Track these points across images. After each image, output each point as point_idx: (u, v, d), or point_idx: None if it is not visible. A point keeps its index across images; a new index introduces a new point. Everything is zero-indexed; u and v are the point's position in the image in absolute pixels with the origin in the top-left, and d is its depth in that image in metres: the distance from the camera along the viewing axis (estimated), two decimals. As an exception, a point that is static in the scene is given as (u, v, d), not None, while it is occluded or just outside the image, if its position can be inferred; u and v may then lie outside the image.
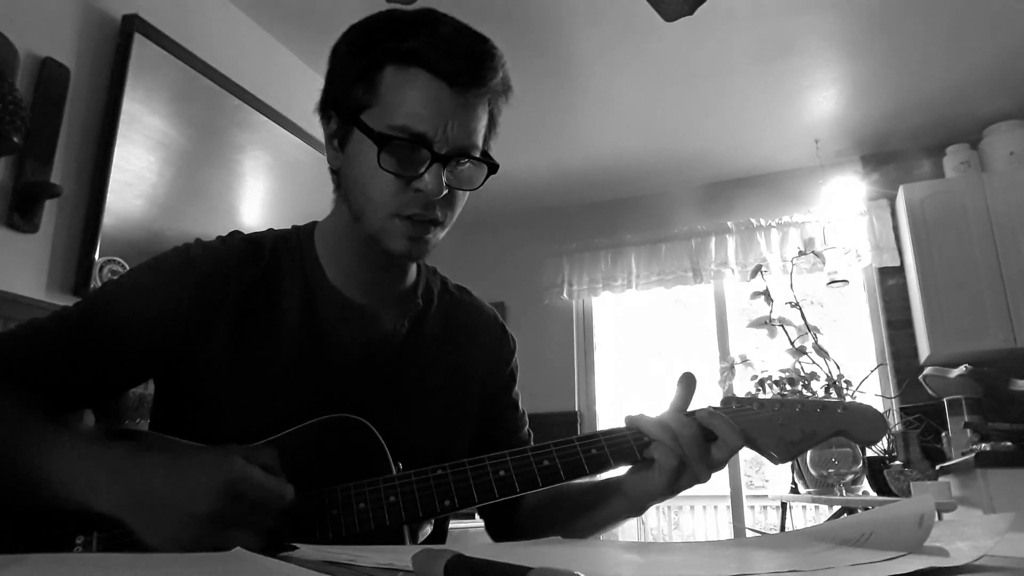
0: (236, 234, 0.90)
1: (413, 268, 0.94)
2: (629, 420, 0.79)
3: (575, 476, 0.76)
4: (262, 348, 0.83)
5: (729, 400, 0.81)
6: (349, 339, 0.86)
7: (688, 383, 0.80)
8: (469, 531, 2.53)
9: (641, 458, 0.77)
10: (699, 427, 0.76)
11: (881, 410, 3.37)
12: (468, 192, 0.82)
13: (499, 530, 0.98)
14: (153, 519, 0.62)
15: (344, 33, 0.84)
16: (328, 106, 0.84)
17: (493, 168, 0.82)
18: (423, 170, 0.75)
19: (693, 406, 0.80)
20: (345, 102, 0.80)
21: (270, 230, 0.92)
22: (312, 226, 0.93)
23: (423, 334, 0.92)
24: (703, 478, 0.76)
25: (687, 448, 0.74)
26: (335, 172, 0.86)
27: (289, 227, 0.93)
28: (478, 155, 0.80)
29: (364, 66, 0.78)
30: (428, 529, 0.86)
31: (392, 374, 0.88)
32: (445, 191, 0.77)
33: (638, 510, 0.83)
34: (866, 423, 0.79)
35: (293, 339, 0.84)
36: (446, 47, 0.76)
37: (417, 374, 0.90)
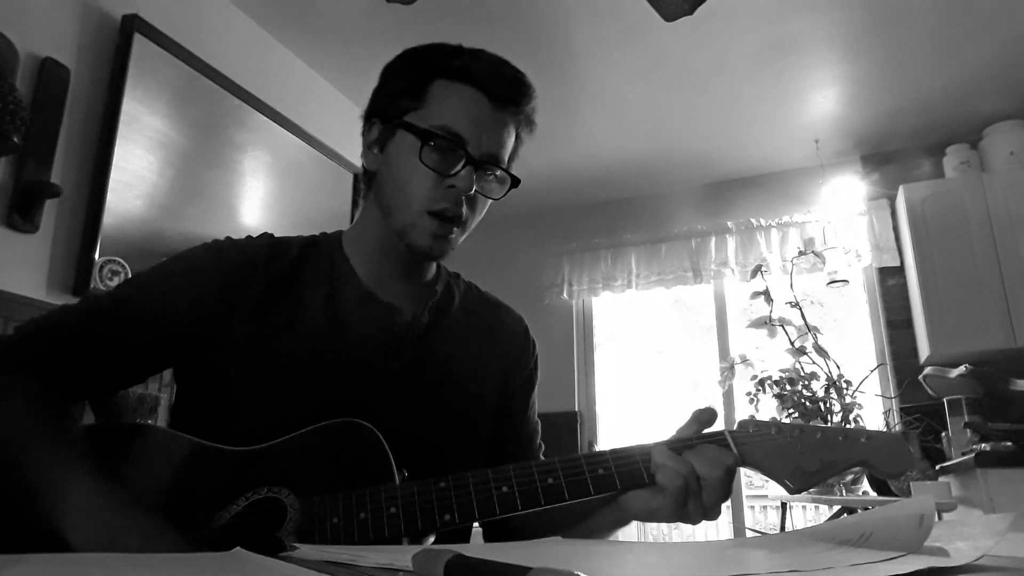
0: (265, 235, 0.94)
1: (433, 269, 0.97)
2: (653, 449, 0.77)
3: (579, 496, 0.74)
4: (283, 339, 0.84)
5: (747, 423, 0.78)
6: (370, 331, 0.88)
7: (699, 419, 0.78)
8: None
9: (651, 481, 0.75)
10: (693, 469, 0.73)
11: (881, 410, 3.37)
12: (489, 202, 0.90)
13: (492, 532, 0.98)
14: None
15: (398, 55, 0.93)
16: (372, 115, 0.92)
17: (515, 182, 0.90)
18: (459, 168, 0.83)
19: (714, 427, 0.78)
20: (391, 108, 0.88)
21: (299, 236, 0.97)
22: (339, 232, 0.97)
23: (445, 327, 0.94)
24: (711, 515, 0.74)
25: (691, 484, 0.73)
26: (369, 177, 0.92)
27: (315, 233, 0.98)
28: (505, 167, 0.89)
29: (415, 79, 0.88)
30: (430, 541, 0.86)
31: (412, 366, 0.89)
32: (474, 190, 0.84)
33: (627, 521, 0.81)
34: (890, 454, 0.74)
35: (314, 331, 0.86)
36: (492, 69, 0.88)
37: (437, 367, 0.91)
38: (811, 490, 2.97)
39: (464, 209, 0.85)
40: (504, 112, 0.87)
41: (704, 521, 0.74)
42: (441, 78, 0.86)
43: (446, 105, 0.85)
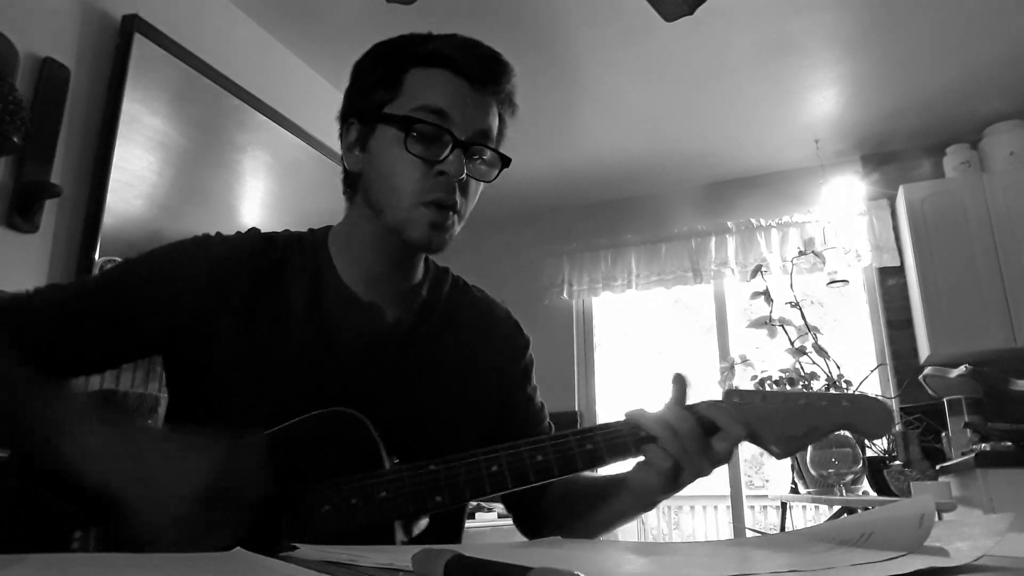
0: (253, 230, 0.94)
1: (421, 267, 0.95)
2: (628, 415, 0.78)
3: (568, 471, 0.74)
4: (268, 335, 0.84)
5: (732, 393, 0.79)
6: (354, 330, 0.87)
7: (680, 382, 0.79)
8: (470, 532, 2.52)
9: (637, 453, 0.76)
10: (697, 420, 0.75)
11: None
12: (481, 187, 0.87)
13: (524, 520, 0.98)
14: (144, 496, 0.64)
15: (367, 50, 0.90)
16: (348, 115, 0.89)
17: (506, 162, 0.87)
18: (447, 152, 0.81)
19: (696, 400, 0.79)
20: (367, 104, 0.86)
21: (287, 230, 0.96)
22: (326, 228, 0.96)
23: (430, 326, 0.93)
24: (705, 471, 0.75)
25: (686, 443, 0.74)
26: (352, 178, 0.90)
27: (304, 229, 0.96)
28: (493, 147, 0.86)
29: (387, 70, 0.85)
30: (423, 523, 0.85)
31: (397, 365, 0.88)
32: (465, 174, 0.82)
33: (646, 505, 0.82)
34: (872, 416, 0.77)
35: (298, 328, 0.85)
36: (466, 49, 0.85)
37: (423, 365, 0.90)
38: (810, 489, 2.97)
39: (458, 196, 0.83)
40: (484, 92, 0.85)
41: (700, 477, 0.76)
42: (415, 66, 0.84)
43: (424, 89, 0.82)
